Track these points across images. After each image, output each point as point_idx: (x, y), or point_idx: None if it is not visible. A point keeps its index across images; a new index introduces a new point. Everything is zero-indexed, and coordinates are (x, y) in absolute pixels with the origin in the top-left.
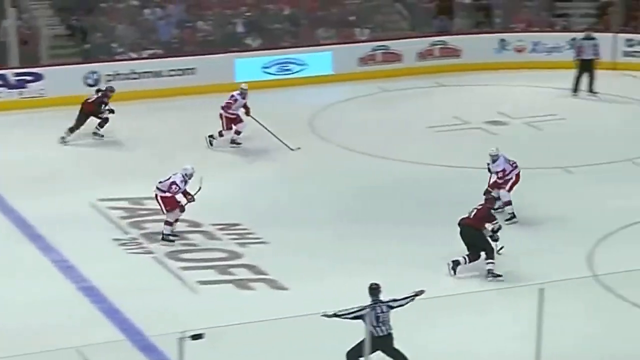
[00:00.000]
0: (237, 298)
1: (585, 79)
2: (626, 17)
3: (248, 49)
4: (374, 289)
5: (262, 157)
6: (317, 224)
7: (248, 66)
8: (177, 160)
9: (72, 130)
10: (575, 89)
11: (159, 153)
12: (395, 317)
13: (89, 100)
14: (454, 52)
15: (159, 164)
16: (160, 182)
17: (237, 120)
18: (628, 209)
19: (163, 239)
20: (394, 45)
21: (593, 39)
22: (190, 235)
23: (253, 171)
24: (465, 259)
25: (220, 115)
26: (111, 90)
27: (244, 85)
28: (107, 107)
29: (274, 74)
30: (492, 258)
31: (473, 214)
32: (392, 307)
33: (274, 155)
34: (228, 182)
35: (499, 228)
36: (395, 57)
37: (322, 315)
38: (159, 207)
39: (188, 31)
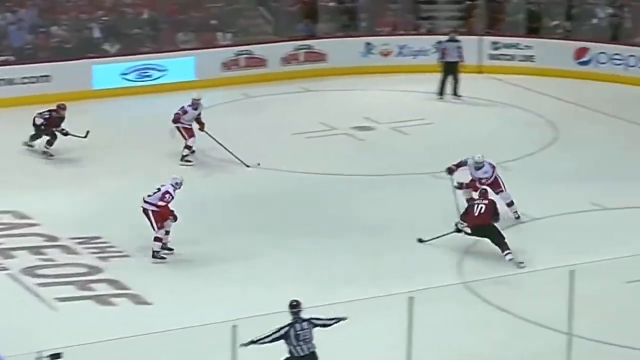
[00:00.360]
0: (97, 314)
1: (450, 82)
2: (491, 20)
3: (106, 54)
4: (294, 306)
5: (124, 168)
6: (186, 235)
7: (106, 73)
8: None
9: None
10: (441, 93)
11: (9, 165)
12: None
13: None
14: (319, 57)
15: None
16: (149, 196)
17: (191, 133)
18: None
19: (154, 257)
20: (257, 50)
21: (457, 41)
22: (47, 250)
23: (113, 182)
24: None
25: (177, 128)
26: (63, 107)
27: (195, 96)
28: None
29: (133, 81)
30: (508, 248)
31: (479, 212)
32: (314, 325)
33: (136, 166)
34: (87, 195)
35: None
36: (259, 62)
37: (241, 346)
38: (149, 222)
39: (42, 37)
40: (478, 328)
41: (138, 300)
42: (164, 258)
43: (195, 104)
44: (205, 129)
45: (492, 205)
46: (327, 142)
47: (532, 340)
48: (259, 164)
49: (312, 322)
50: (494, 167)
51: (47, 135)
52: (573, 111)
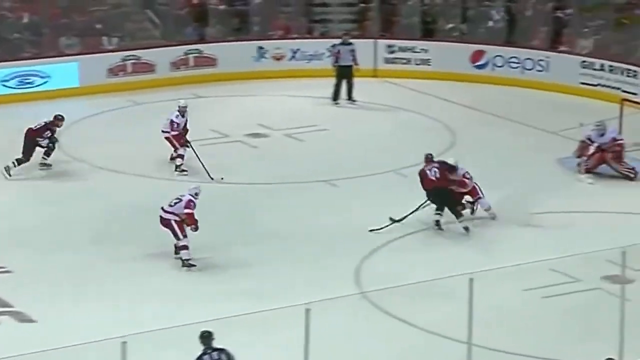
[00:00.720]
0: None
1: (344, 87)
2: (386, 23)
3: None
4: (206, 337)
5: (7, 181)
6: (68, 249)
7: None
8: None
9: (20, 161)
10: (336, 98)
11: None
12: None
13: (34, 128)
14: (210, 61)
15: None
16: (170, 206)
17: (182, 141)
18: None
19: (185, 265)
20: (145, 54)
21: (350, 44)
22: None
23: None
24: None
25: (167, 138)
26: (60, 118)
27: (182, 103)
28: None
29: (14, 88)
30: (462, 215)
31: (435, 176)
32: (229, 357)
33: (16, 177)
34: None
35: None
36: (147, 67)
37: None
38: (171, 232)
39: None
40: (377, 340)
41: (21, 317)
42: (194, 265)
43: (182, 111)
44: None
45: (444, 168)
46: (220, 150)
47: (432, 350)
48: (222, 179)
49: (228, 354)
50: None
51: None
52: (470, 115)
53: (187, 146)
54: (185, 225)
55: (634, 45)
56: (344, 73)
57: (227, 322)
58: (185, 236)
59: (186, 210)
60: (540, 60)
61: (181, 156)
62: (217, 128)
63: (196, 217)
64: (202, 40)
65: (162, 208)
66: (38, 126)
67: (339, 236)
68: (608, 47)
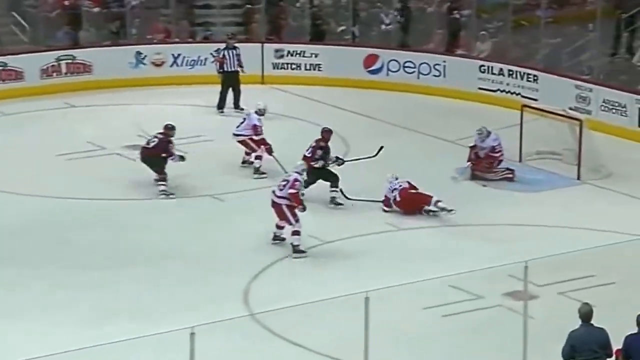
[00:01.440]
0: None
1: (230, 95)
2: (273, 26)
3: None
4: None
5: None
6: None
7: None
8: None
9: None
10: (221, 106)
11: None
12: None
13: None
14: (84, 68)
15: None
16: (280, 190)
17: (263, 142)
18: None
19: (296, 252)
20: (12, 61)
21: (235, 48)
22: None
23: None
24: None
25: (243, 141)
26: (171, 127)
27: (261, 105)
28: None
29: None
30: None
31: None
32: None
33: None
34: None
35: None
36: (15, 74)
37: None
38: (284, 220)
39: None
40: None
41: None
42: (305, 252)
43: (262, 112)
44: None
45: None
46: (96, 164)
47: None
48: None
49: None
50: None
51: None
52: (364, 124)
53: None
54: (300, 200)
55: (534, 48)
56: (230, 80)
57: (107, 347)
58: (297, 221)
59: (290, 190)
60: (437, 64)
61: (260, 157)
62: (93, 140)
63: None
64: (75, 45)
65: (274, 192)
66: (153, 143)
67: (226, 254)
68: (507, 50)
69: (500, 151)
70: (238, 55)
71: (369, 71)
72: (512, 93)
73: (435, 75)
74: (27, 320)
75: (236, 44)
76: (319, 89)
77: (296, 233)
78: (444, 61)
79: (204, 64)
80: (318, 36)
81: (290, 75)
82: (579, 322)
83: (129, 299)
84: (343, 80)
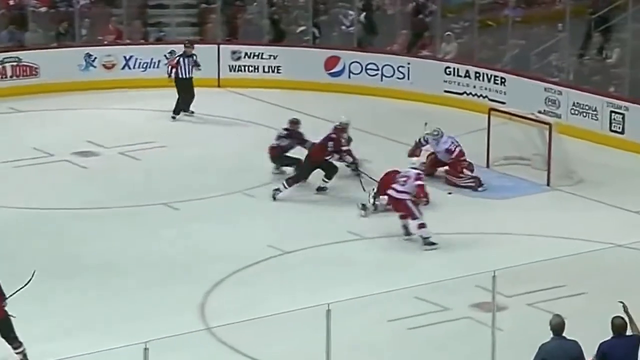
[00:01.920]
0: None
1: (185, 98)
2: (230, 27)
3: None
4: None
5: None
6: None
7: None
8: None
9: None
10: (179, 111)
11: None
12: None
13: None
14: (30, 71)
15: None
16: (401, 186)
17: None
18: (244, 247)
19: (427, 244)
20: None
21: (191, 56)
22: None
23: None
24: None
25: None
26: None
27: (344, 120)
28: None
29: None
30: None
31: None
32: None
33: None
34: None
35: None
36: None
37: None
38: (408, 215)
39: None
40: None
41: None
42: (436, 243)
43: (344, 127)
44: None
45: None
46: (43, 171)
47: None
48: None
49: None
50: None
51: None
52: (325, 128)
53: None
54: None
55: (501, 49)
56: (185, 84)
57: None
58: (421, 213)
59: (417, 182)
60: (401, 66)
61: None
62: (40, 146)
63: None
64: (20, 46)
65: (393, 188)
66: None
67: (181, 265)
68: (473, 51)
69: (458, 153)
70: (195, 62)
71: (330, 73)
72: (478, 96)
73: (399, 78)
74: None
75: (193, 51)
76: (278, 92)
77: (422, 226)
78: (408, 63)
79: (157, 67)
80: (277, 37)
81: (247, 78)
82: (550, 334)
83: (80, 311)
84: (303, 83)
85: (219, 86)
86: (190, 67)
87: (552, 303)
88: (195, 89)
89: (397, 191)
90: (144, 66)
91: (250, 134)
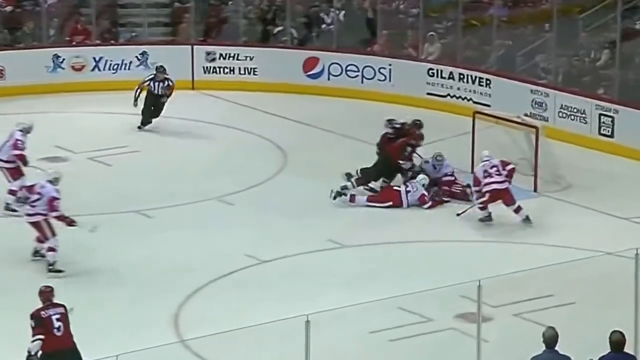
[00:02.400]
0: None
1: (151, 113)
2: (205, 27)
3: None
4: None
5: None
6: None
7: None
8: None
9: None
10: (144, 123)
11: None
12: None
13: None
14: None
15: None
16: (497, 175)
17: None
18: (220, 256)
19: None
20: None
21: (164, 80)
22: None
23: None
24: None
25: None
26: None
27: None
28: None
29: None
30: None
31: None
32: None
33: None
34: None
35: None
36: None
37: None
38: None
39: None
40: None
41: None
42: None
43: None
44: None
45: None
46: None
47: None
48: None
49: None
50: None
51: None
52: (304, 132)
53: None
54: None
55: (486, 50)
56: (154, 100)
57: None
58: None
59: (510, 167)
60: (382, 68)
61: None
62: None
63: None
64: None
65: (494, 182)
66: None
67: (154, 275)
68: (457, 52)
69: (454, 178)
70: (168, 85)
71: (309, 75)
72: (463, 98)
73: (380, 80)
74: None
75: (166, 75)
76: (255, 95)
77: (520, 209)
78: (390, 64)
79: (129, 68)
80: (255, 38)
81: (223, 80)
82: (536, 346)
83: None
84: (281, 85)
85: (193, 89)
86: (160, 89)
87: (540, 313)
88: (174, 92)
89: (499, 182)
90: (115, 68)
91: (226, 137)
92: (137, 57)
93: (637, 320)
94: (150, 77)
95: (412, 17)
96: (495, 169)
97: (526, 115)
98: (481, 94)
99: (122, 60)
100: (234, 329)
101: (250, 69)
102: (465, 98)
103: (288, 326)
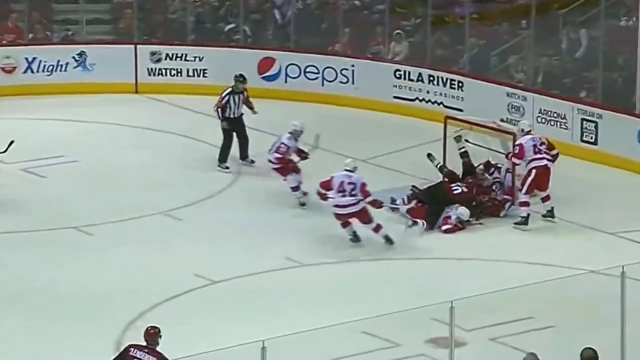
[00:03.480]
0: None
1: (240, 143)
2: (149, 25)
3: None
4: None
5: None
6: None
7: None
8: None
9: None
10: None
11: None
12: None
13: None
14: None
15: None
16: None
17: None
18: (167, 276)
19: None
20: None
21: (242, 92)
22: None
23: None
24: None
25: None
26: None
27: (298, 125)
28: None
29: None
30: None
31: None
32: None
33: None
34: None
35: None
36: None
37: None
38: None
39: None
40: None
41: None
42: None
43: (298, 133)
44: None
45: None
46: None
47: None
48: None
49: None
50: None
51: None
52: (260, 140)
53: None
54: None
55: (458, 50)
56: (235, 126)
57: None
58: None
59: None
60: (344, 69)
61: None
62: None
63: None
64: None
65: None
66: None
67: (95, 297)
68: (426, 52)
69: None
70: (246, 99)
71: (264, 77)
72: (433, 102)
73: (342, 82)
74: None
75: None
76: (204, 98)
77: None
78: (353, 65)
79: (65, 70)
80: (203, 36)
81: (169, 83)
82: None
83: None
84: None
85: (136, 92)
86: (241, 104)
87: (518, 337)
88: (116, 96)
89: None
90: (50, 69)
91: (174, 147)
92: (74, 57)
93: (624, 343)
94: (229, 90)
95: (376, 13)
96: (544, 146)
97: (502, 120)
98: (453, 97)
99: (58, 61)
100: (183, 356)
101: (200, 70)
102: (436, 102)
103: (243, 353)
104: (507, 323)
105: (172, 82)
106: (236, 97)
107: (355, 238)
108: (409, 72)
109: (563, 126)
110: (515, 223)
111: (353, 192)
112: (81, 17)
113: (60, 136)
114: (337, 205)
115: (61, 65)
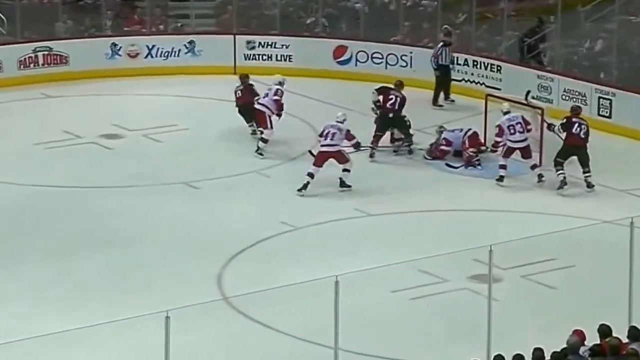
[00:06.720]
0: None
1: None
2: (245, 17)
3: None
4: None
5: None
6: None
7: None
8: None
9: None
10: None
11: None
12: None
13: None
14: (61, 59)
15: None
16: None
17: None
18: (254, 226)
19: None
20: None
21: (450, 44)
22: None
23: None
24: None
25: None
26: None
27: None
28: None
29: None
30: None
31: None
32: None
33: None
34: None
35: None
36: None
37: None
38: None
39: None
40: (241, 346)
41: None
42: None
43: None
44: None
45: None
46: (73, 152)
47: (297, 356)
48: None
49: None
50: None
51: None
52: (334, 113)
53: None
54: None
55: (497, 39)
56: (443, 72)
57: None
58: None
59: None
60: (404, 55)
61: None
62: (70, 129)
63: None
64: (51, 37)
65: None
66: None
67: (200, 239)
68: (471, 41)
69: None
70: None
71: (338, 62)
72: (476, 83)
73: (402, 66)
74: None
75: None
76: (290, 79)
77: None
78: (411, 52)
79: (177, 55)
80: (290, 28)
81: (261, 66)
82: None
83: (100, 285)
84: (314, 71)
85: (235, 74)
86: (449, 57)
87: (544, 275)
88: (218, 77)
89: (521, 141)
90: (165, 55)
91: None
92: (185, 45)
93: (631, 281)
94: (440, 45)
95: (430, 8)
96: (519, 125)
97: (533, 97)
98: (493, 78)
99: (172, 48)
100: (271, 287)
101: (286, 55)
102: (479, 82)
103: (320, 286)
104: (535, 263)
105: (264, 66)
106: (447, 49)
107: (343, 184)
108: (457, 58)
109: (583, 102)
110: (497, 180)
111: (334, 137)
112: (191, 12)
113: (174, 109)
114: (321, 146)
115: (175, 52)
